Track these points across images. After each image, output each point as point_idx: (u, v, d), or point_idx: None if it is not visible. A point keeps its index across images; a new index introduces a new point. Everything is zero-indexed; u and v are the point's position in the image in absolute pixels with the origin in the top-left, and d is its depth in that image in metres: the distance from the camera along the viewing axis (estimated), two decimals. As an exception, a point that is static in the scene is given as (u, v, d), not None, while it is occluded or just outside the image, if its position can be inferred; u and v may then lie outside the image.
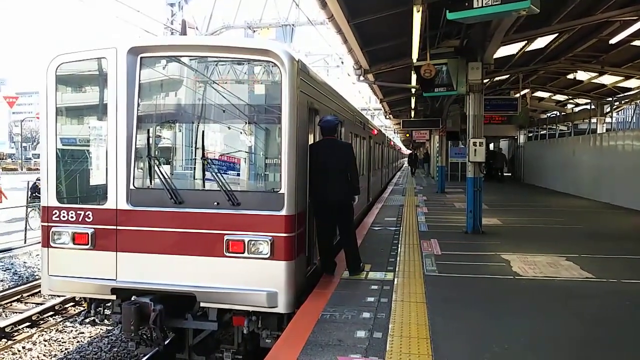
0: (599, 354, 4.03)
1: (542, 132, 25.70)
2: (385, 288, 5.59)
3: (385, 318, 4.60)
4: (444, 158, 20.49)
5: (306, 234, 5.39)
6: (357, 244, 6.34)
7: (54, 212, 5.14)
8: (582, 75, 16.79)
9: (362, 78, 13.00)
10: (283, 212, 4.71)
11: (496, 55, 10.16)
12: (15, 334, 7.72)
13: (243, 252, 4.70)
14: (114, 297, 5.05)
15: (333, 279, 5.91)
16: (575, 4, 9.55)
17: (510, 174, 29.02)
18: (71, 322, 8.25)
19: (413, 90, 16.71)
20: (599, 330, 4.53)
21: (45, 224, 5.17)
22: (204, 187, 5.02)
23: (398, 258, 7.14)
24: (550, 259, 7.17)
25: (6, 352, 7.06)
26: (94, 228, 5.02)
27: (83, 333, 7.79)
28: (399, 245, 8.09)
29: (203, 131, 5.01)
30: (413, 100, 20.49)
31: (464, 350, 3.99)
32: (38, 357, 7.01)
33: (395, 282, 5.84)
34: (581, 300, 5.42)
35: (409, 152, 63.57)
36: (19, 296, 9.30)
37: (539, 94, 22.45)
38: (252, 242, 4.69)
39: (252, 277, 4.71)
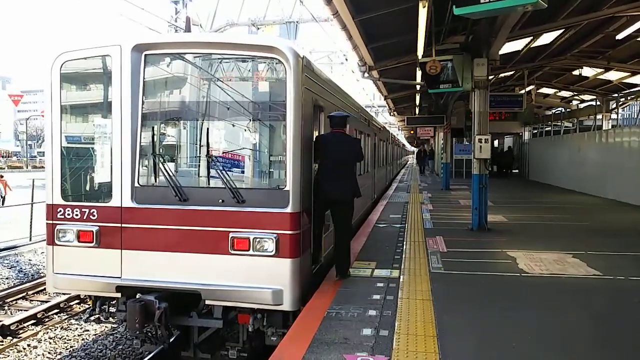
0: (606, 352, 3.99)
1: (547, 129, 25.56)
2: (391, 285, 5.56)
3: (391, 316, 4.58)
4: (448, 155, 20.42)
5: (311, 231, 5.37)
6: (350, 247, 5.98)
7: (58, 210, 5.14)
8: (587, 72, 16.68)
9: (366, 75, 12.96)
10: (288, 209, 4.69)
11: (502, 52, 10.08)
12: (21, 331, 7.74)
13: (248, 250, 4.69)
14: (119, 294, 5.05)
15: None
16: (582, -1, 9.46)
17: (516, 171, 28.93)
18: (76, 319, 8.27)
19: (418, 87, 16.64)
20: (607, 328, 4.49)
21: (50, 221, 5.17)
22: (209, 184, 5.00)
23: (403, 255, 7.11)
24: (557, 256, 7.12)
25: (11, 349, 7.09)
26: (98, 226, 5.02)
27: (88, 331, 7.81)
28: (404, 243, 8.05)
29: (208, 128, 4.99)
30: (417, 97, 20.42)
31: (471, 348, 3.96)
32: (43, 354, 7.03)
33: (401, 280, 5.81)
34: (588, 297, 5.38)
35: (413, 149, 63.32)
36: (24, 294, 9.33)
37: (544, 90, 22.30)
38: (257, 240, 4.67)
39: (257, 274, 4.69)
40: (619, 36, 11.48)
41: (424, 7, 7.45)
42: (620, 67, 15.08)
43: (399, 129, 48.98)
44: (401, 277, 5.94)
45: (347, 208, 5.72)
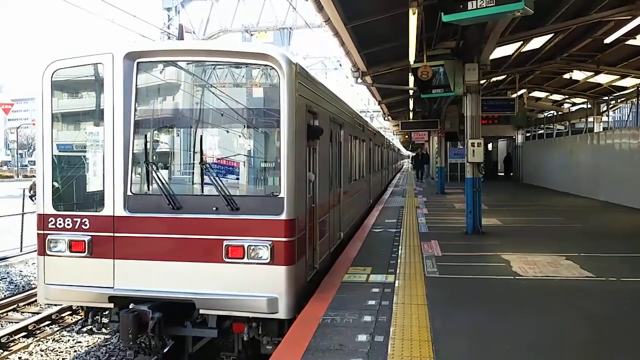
0: (599, 353, 4.00)
1: (539, 132, 25.75)
2: (386, 291, 5.55)
3: (386, 321, 4.56)
4: (443, 159, 20.50)
5: (306, 238, 5.35)
6: None
7: (50, 220, 5.09)
8: (578, 75, 16.87)
9: (360, 80, 13.01)
10: (283, 217, 4.67)
11: (492, 56, 10.18)
12: (11, 344, 7.62)
13: (243, 258, 4.66)
14: (111, 305, 4.99)
15: (334, 282, 5.86)
16: (570, 4, 9.59)
17: (510, 174, 29.11)
18: (68, 331, 8.16)
19: (411, 92, 16.74)
20: (600, 329, 4.50)
21: (42, 231, 5.12)
22: (203, 192, 4.98)
23: (399, 260, 7.11)
24: (550, 258, 7.15)
25: (3, 362, 6.99)
26: (90, 235, 4.97)
27: (80, 342, 7.71)
28: (400, 247, 8.05)
29: (201, 136, 4.97)
30: (411, 102, 20.52)
31: (466, 352, 3.95)
32: (36, 366, 6.93)
33: (396, 285, 5.80)
34: (581, 299, 5.40)
35: (408, 153, 63.34)
36: (14, 305, 9.20)
37: (536, 93, 22.53)
38: (252, 247, 4.65)
39: (252, 282, 4.66)
40: (607, 40, 11.62)
41: (414, 13, 7.52)
42: (610, 70, 15.27)
43: (393, 134, 49.13)
44: (396, 282, 5.93)
45: None
